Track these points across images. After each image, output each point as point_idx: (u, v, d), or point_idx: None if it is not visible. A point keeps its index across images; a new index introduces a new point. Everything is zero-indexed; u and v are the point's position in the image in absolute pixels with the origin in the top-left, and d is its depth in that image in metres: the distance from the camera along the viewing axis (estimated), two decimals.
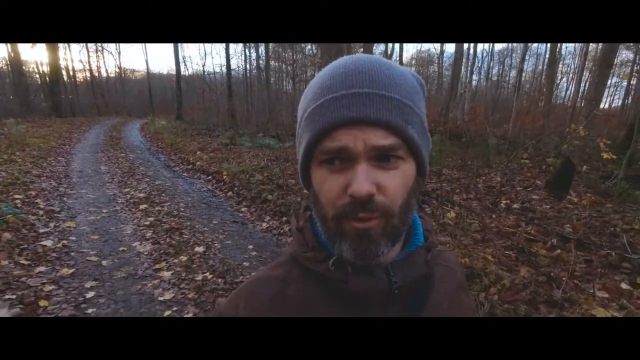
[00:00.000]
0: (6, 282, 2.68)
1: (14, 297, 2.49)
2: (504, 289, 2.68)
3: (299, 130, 0.46)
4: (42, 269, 2.94)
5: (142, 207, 4.69)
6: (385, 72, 0.42)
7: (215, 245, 3.63)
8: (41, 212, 4.23)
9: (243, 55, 24.71)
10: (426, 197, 4.92)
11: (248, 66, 24.91)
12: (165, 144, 10.82)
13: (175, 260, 3.23)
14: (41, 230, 3.69)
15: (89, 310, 2.46)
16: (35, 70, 28.76)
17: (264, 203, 5.04)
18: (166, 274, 2.98)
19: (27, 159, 7.23)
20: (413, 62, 37.22)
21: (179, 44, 24.03)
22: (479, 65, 29.99)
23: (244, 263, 3.28)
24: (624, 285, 2.74)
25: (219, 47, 34.14)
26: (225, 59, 19.72)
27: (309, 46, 17.30)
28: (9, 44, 22.59)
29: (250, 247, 3.68)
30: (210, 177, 6.68)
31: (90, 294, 2.65)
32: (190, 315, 2.46)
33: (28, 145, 8.79)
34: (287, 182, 5.62)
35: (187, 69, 31.14)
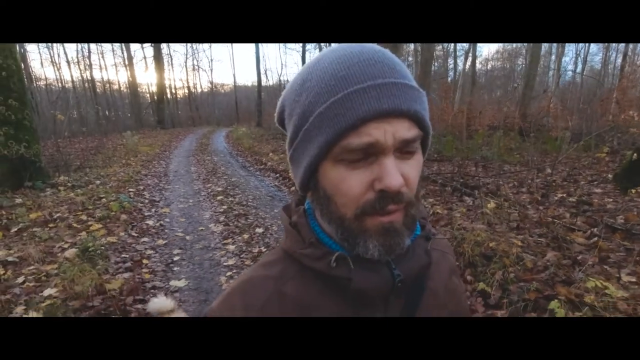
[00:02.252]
0: (123, 247, 3.67)
1: (127, 256, 3.45)
2: (523, 269, 2.82)
3: (304, 128, 0.41)
4: (145, 239, 3.93)
5: (219, 198, 5.66)
6: (395, 59, 0.41)
7: (273, 227, 4.32)
8: (146, 201, 5.44)
9: None
10: (475, 190, 4.99)
11: None
12: (244, 148, 12.18)
13: (239, 238, 3.98)
14: (146, 214, 4.81)
15: (175, 269, 3.30)
16: (147, 90, 33.96)
17: None
18: (231, 247, 3.74)
19: (138, 162, 8.97)
20: (497, 55, 34.78)
21: (261, 58, 26.32)
22: (578, 53, 26.78)
23: None
24: None
25: (297, 57, 36.09)
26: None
27: None
28: (128, 70, 27.26)
29: None
30: (277, 175, 7.52)
31: (176, 258, 3.51)
32: None
33: (139, 152, 10.77)
34: None
35: (269, 80, 33.68)
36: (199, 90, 42.23)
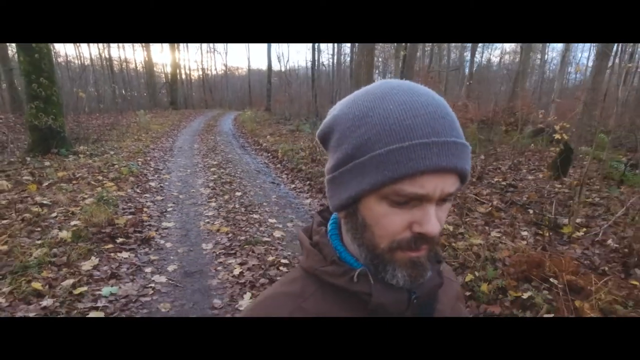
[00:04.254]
0: (129, 199, 4.70)
1: (132, 205, 4.47)
2: None
3: (358, 160, 0.43)
4: (147, 195, 4.95)
5: (212, 169, 6.68)
6: (453, 115, 0.45)
7: (250, 193, 5.30)
8: (151, 169, 6.48)
9: (332, 50, 26.63)
10: None
11: (335, 61, 26.78)
12: (247, 130, 13.15)
13: (221, 198, 4.97)
14: (150, 178, 5.85)
15: (167, 215, 4.30)
16: (162, 70, 35.08)
17: (298, 172, 6.57)
18: (213, 204, 4.73)
19: (148, 138, 10.03)
20: (516, 47, 34.50)
21: (272, 45, 26.99)
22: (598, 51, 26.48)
23: (263, 203, 4.86)
24: (525, 233, 3.54)
25: (309, 44, 36.56)
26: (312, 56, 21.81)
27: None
28: (144, 50, 28.30)
29: (274, 196, 5.25)
30: (269, 154, 8.48)
31: (169, 209, 4.52)
32: (218, 222, 4.10)
33: (150, 130, 11.84)
34: (320, 157, 7.06)
35: (281, 66, 34.35)
36: (214, 72, 43.16)
